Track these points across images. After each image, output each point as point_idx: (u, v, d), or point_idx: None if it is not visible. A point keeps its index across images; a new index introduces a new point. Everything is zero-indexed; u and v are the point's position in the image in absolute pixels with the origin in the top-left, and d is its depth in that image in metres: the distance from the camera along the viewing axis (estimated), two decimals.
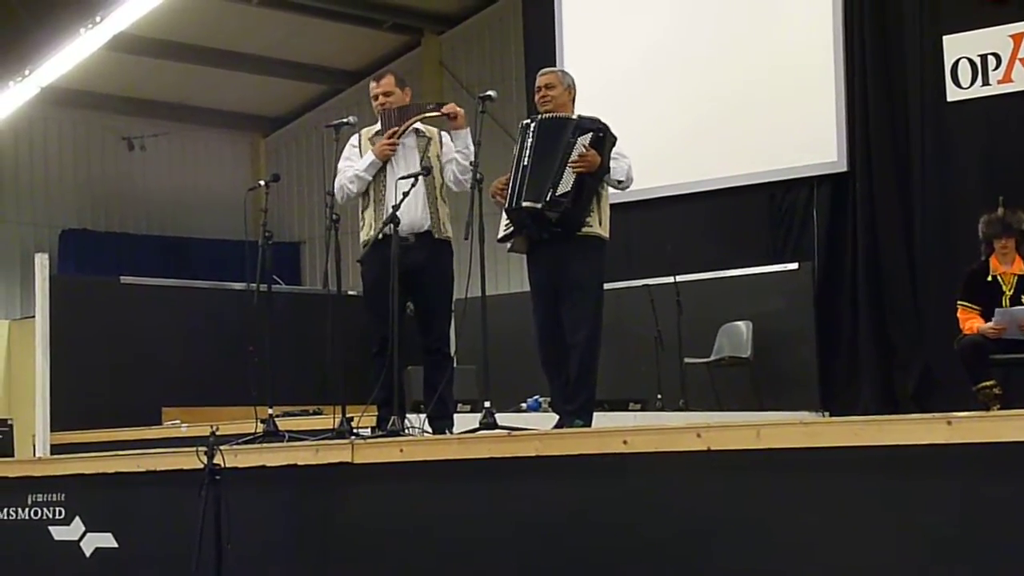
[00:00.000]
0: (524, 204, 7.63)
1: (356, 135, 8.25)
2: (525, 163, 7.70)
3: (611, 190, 7.93)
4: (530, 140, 7.74)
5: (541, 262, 7.87)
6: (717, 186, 13.38)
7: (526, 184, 7.65)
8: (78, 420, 10.93)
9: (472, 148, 7.87)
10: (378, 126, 8.13)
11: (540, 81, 7.99)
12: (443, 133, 8.18)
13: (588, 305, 7.71)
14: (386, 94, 8.14)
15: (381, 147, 7.99)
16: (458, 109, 8.04)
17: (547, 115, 7.87)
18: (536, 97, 8.02)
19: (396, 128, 8.00)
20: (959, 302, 9.89)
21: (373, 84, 8.25)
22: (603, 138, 7.67)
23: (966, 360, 9.69)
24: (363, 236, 8.07)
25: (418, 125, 8.09)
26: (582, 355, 7.65)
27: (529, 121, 7.89)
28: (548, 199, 7.57)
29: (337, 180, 8.10)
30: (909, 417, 5.65)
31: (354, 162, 8.10)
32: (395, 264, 7.56)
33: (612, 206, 7.95)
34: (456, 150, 8.04)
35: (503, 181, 7.81)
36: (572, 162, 7.58)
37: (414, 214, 7.83)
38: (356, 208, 8.24)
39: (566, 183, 7.57)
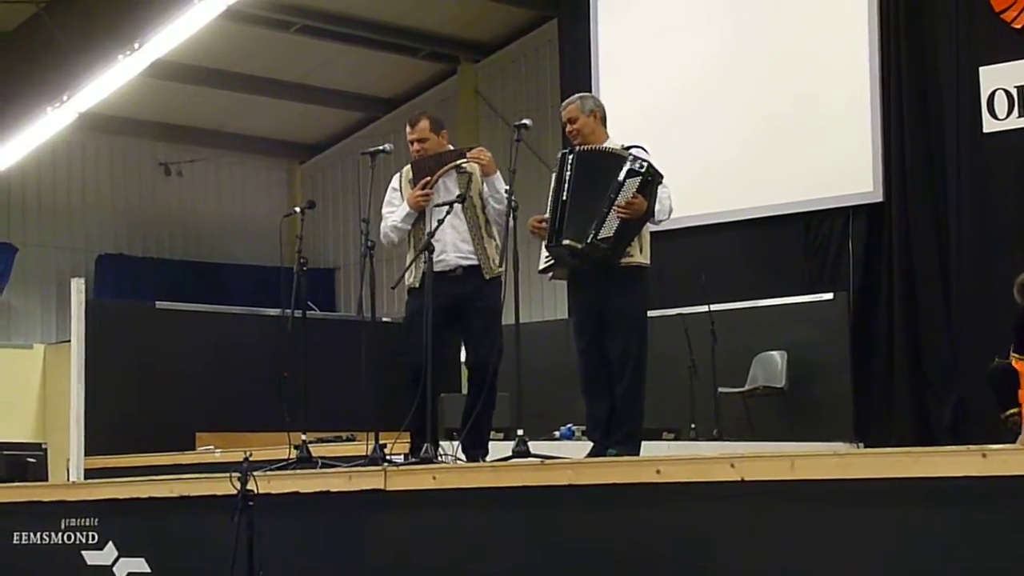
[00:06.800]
0: (564, 242, 7.59)
1: (396, 176, 8.20)
2: (564, 198, 7.62)
3: None
4: (568, 173, 7.63)
5: (584, 290, 7.82)
6: (752, 215, 13.38)
7: (566, 220, 7.58)
8: (112, 445, 10.97)
9: (503, 192, 7.78)
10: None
11: (563, 116, 7.92)
12: None
13: (634, 336, 7.66)
14: (420, 140, 8.06)
15: (415, 198, 7.94)
16: (483, 157, 7.92)
17: (585, 147, 7.75)
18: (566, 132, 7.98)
19: (429, 178, 7.96)
20: (1013, 354, 9.61)
21: (408, 128, 8.14)
22: (651, 182, 7.53)
23: (996, 386, 9.65)
24: (407, 280, 7.99)
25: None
26: (628, 386, 7.60)
27: (567, 152, 7.77)
28: (589, 240, 7.49)
29: (381, 226, 8.12)
30: (944, 449, 5.62)
31: (395, 207, 8.07)
32: (429, 293, 7.59)
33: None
34: (488, 195, 7.93)
35: (541, 218, 7.74)
36: (619, 206, 7.45)
37: (455, 247, 7.82)
38: None
39: (609, 227, 7.47)
